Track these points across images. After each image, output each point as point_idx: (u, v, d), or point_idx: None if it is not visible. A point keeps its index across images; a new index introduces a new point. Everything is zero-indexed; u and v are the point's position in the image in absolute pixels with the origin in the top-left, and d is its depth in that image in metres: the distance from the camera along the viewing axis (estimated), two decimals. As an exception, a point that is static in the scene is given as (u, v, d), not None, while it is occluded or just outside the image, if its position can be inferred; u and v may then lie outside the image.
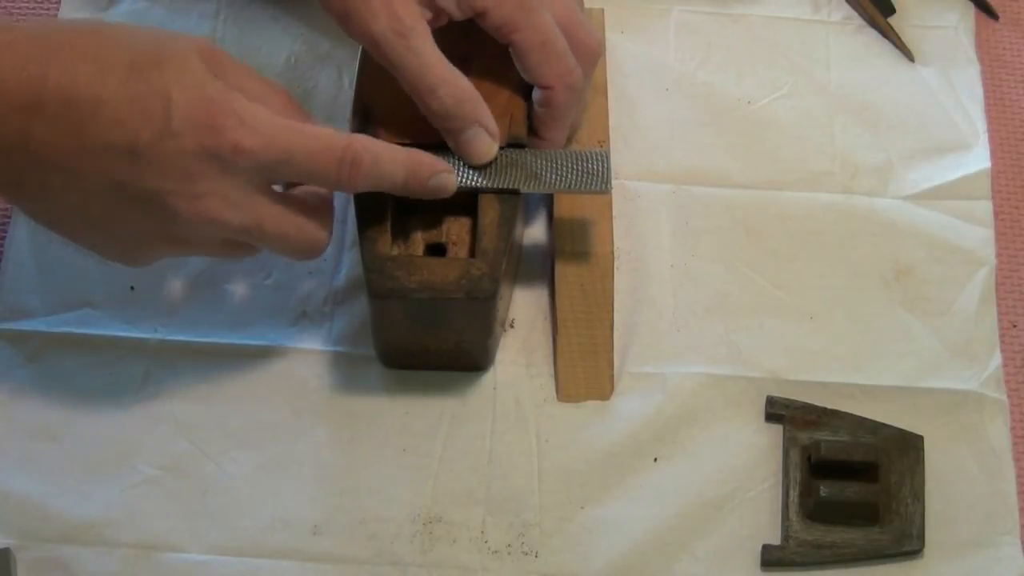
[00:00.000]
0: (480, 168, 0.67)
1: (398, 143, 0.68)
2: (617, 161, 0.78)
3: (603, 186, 0.68)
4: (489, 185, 0.67)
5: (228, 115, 0.60)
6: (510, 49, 0.68)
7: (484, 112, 0.67)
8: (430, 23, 0.67)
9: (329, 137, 0.62)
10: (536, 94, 0.69)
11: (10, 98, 0.58)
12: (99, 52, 0.60)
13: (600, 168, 0.68)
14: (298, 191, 0.66)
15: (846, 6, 0.84)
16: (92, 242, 0.64)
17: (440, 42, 0.67)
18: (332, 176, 0.63)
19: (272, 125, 0.61)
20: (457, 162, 0.67)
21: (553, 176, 0.68)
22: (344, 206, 0.76)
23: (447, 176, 0.66)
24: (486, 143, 0.68)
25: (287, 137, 0.61)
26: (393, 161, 0.64)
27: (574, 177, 0.68)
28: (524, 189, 0.68)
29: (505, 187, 0.67)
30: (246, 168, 0.60)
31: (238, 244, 0.65)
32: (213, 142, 0.59)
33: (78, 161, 0.59)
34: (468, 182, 0.67)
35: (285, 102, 0.65)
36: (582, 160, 0.68)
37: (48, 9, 0.83)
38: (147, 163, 0.59)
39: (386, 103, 0.70)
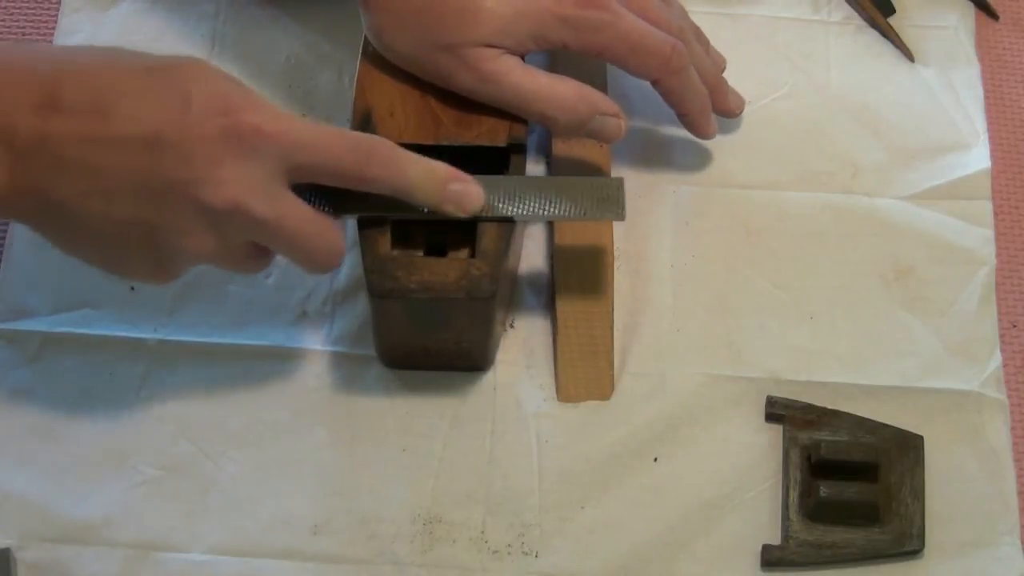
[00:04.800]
0: (497, 195, 0.67)
1: (397, 143, 0.69)
2: (617, 161, 0.78)
3: (618, 213, 0.68)
4: (505, 212, 0.67)
5: (247, 102, 0.61)
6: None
7: (597, 103, 0.70)
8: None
9: (344, 130, 0.64)
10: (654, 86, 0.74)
11: (26, 95, 0.58)
12: (113, 59, 0.61)
13: (615, 195, 0.68)
14: None
15: (846, 6, 0.84)
16: (120, 257, 0.63)
17: None
18: (351, 164, 0.62)
19: (288, 116, 0.62)
20: (485, 186, 0.66)
21: (569, 203, 0.67)
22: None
23: (472, 187, 0.65)
24: (613, 127, 0.71)
25: (304, 125, 0.62)
26: (410, 158, 0.64)
27: (589, 204, 0.68)
28: (540, 217, 0.68)
29: (520, 214, 0.67)
30: (267, 154, 0.60)
31: (255, 250, 0.64)
32: (233, 124, 0.60)
33: (100, 156, 0.59)
34: (490, 207, 0.66)
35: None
36: (597, 188, 0.68)
37: (48, 9, 0.83)
38: (169, 152, 0.59)
39: (386, 103, 0.70)
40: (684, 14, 0.77)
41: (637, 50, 0.71)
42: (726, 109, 0.78)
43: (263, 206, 0.61)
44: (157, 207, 0.60)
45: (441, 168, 0.65)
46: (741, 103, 0.79)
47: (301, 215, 0.63)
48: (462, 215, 0.66)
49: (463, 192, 0.65)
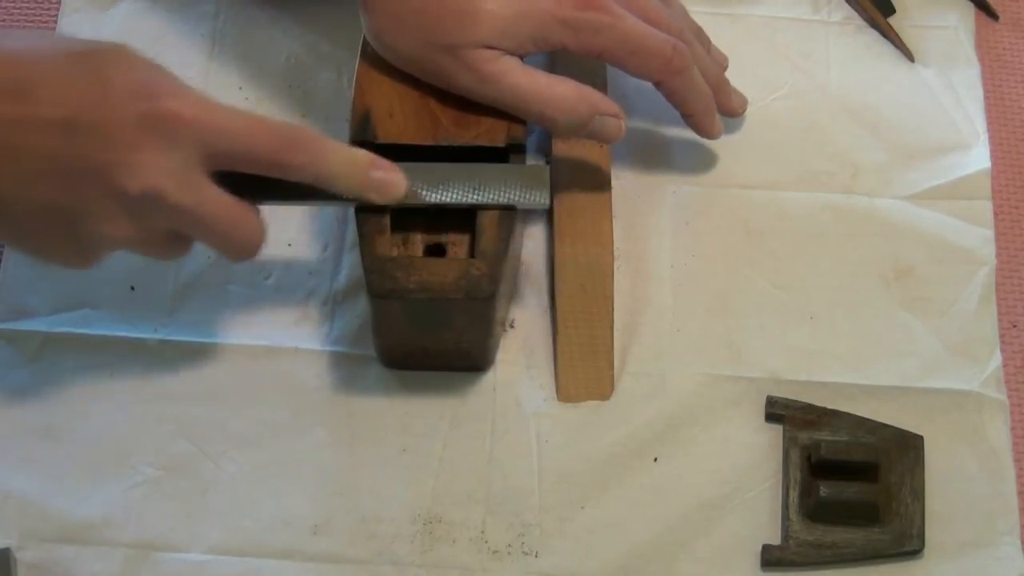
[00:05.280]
0: (421, 182, 0.67)
1: (397, 143, 0.69)
2: (617, 161, 0.78)
3: (542, 200, 0.68)
4: (429, 199, 0.67)
5: (167, 87, 0.60)
6: None
7: (597, 104, 0.70)
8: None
9: (265, 117, 0.63)
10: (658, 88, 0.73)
11: None
12: (37, 44, 0.61)
13: (541, 181, 0.68)
14: None
15: (846, 6, 0.84)
16: (39, 242, 0.63)
17: None
18: (271, 151, 0.62)
19: (210, 103, 0.61)
20: (408, 174, 0.66)
21: (493, 190, 0.68)
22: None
23: (393, 175, 0.65)
24: (614, 127, 0.71)
25: (225, 112, 0.61)
26: (331, 145, 0.64)
27: (515, 191, 0.68)
28: (464, 201, 0.67)
29: (445, 201, 0.67)
30: (186, 140, 0.60)
31: (175, 236, 0.64)
32: (152, 109, 0.59)
33: (19, 138, 0.59)
34: (412, 193, 0.67)
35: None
36: (524, 175, 0.68)
37: (48, 9, 0.83)
38: (87, 135, 0.59)
39: (386, 103, 0.70)
40: (685, 14, 0.77)
41: (638, 52, 0.71)
42: (729, 108, 0.78)
43: (180, 193, 0.61)
44: (75, 191, 0.60)
45: (362, 155, 0.65)
46: (744, 103, 0.79)
47: (220, 203, 0.62)
48: (384, 203, 0.66)
49: (385, 180, 0.65)
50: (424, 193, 0.67)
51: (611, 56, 0.71)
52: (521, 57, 0.70)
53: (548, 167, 0.68)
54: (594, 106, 0.70)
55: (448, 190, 0.67)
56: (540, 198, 0.68)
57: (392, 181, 0.66)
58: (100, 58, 0.60)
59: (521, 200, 0.68)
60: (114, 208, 0.61)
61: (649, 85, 0.73)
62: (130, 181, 0.60)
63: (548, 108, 0.69)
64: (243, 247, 0.64)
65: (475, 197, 0.67)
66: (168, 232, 0.63)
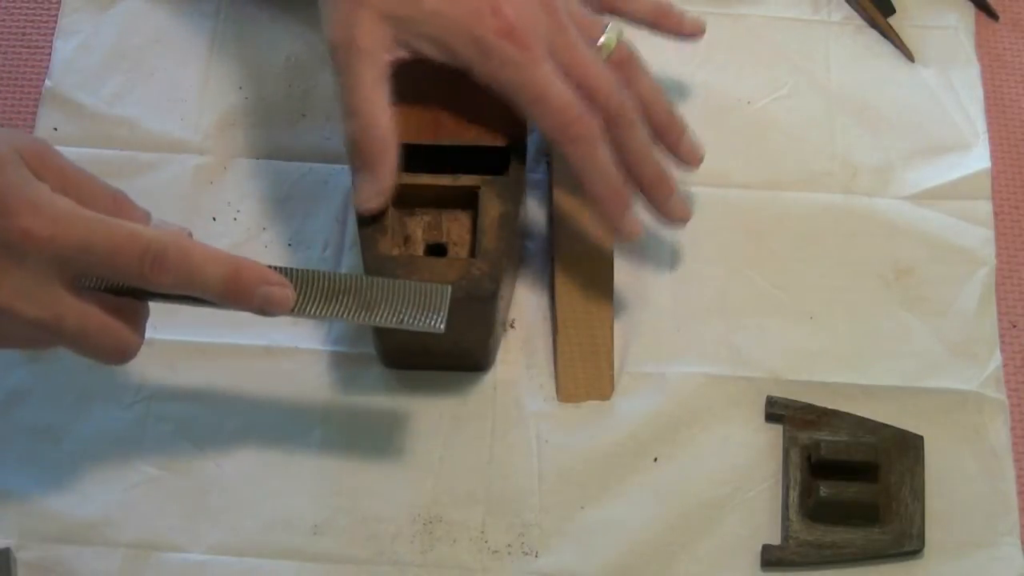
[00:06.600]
0: (311, 296, 0.62)
1: (400, 143, 0.69)
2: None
3: (438, 324, 0.62)
4: (320, 314, 0.62)
5: (21, 202, 0.57)
6: None
7: (384, 158, 0.67)
8: (406, 58, 0.67)
9: (135, 230, 0.59)
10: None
11: None
12: None
13: (438, 303, 0.63)
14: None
15: (846, 6, 0.84)
16: None
17: None
18: (134, 270, 0.59)
19: (72, 215, 0.58)
20: (300, 284, 0.62)
21: (387, 309, 0.63)
22: (344, 205, 0.76)
23: (280, 291, 0.61)
24: (366, 192, 0.67)
25: (86, 227, 0.58)
26: (208, 261, 0.60)
27: (408, 311, 0.62)
28: (355, 320, 0.63)
29: (336, 317, 0.63)
30: (40, 258, 0.57)
31: (44, 340, 0.61)
32: (3, 227, 0.57)
33: None
34: (300, 308, 0.62)
35: (113, 200, 0.62)
36: (422, 294, 0.63)
37: (48, 9, 0.83)
38: None
39: (386, 103, 0.70)
40: (651, 90, 0.72)
41: (538, 102, 0.66)
42: (666, 210, 0.72)
43: (35, 309, 0.58)
44: None
45: (249, 271, 0.61)
46: (686, 213, 0.73)
47: (82, 314, 0.60)
48: (266, 316, 0.62)
49: (269, 297, 0.61)
50: (313, 309, 0.62)
51: (511, 95, 0.67)
52: (403, 61, 0.67)
53: (449, 288, 0.63)
54: (385, 157, 0.67)
55: (339, 306, 0.62)
56: (436, 321, 0.62)
57: (277, 299, 0.61)
58: None
59: (415, 322, 0.63)
60: None
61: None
62: None
63: (352, 123, 0.67)
64: (110, 355, 0.62)
65: (365, 317, 0.63)
66: (31, 337, 0.61)
